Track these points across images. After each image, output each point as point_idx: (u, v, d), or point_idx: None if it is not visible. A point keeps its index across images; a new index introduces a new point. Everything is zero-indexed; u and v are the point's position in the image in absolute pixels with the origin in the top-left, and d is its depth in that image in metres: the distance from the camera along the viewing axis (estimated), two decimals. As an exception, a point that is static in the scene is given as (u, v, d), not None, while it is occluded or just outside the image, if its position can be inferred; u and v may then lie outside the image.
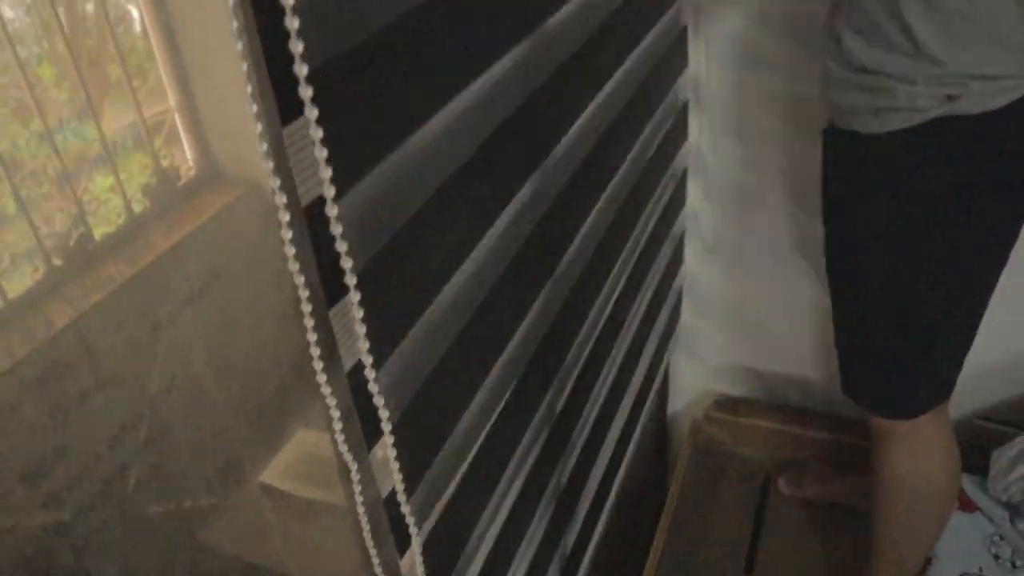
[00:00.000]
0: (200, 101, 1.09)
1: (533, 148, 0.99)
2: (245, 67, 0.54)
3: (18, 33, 0.95)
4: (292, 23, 0.52)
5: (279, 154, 0.63)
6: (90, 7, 1.25)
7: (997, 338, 1.73)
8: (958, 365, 1.34)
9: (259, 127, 0.58)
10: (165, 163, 1.11)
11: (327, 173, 0.61)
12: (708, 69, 1.64)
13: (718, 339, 2.17)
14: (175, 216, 0.99)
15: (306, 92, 0.54)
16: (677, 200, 1.72)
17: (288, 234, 0.64)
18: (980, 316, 1.27)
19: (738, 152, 1.75)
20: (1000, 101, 0.99)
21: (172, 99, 1.22)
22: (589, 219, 1.22)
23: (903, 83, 1.02)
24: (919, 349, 1.27)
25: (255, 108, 0.53)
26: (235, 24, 0.51)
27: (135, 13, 1.26)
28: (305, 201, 0.69)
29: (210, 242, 0.93)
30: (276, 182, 0.65)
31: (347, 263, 0.67)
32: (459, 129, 0.81)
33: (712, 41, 1.61)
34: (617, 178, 1.30)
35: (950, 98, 1.00)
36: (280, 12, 0.52)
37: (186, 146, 1.14)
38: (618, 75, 1.24)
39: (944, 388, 1.37)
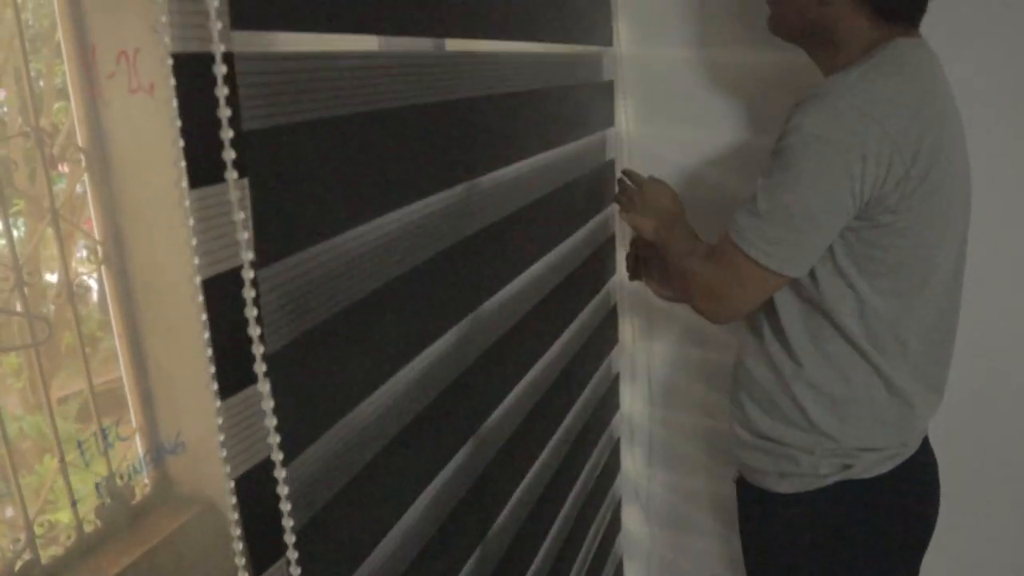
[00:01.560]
0: (160, 411, 1.12)
1: (469, 419, 1.04)
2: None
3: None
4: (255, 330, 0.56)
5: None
6: (52, 278, 1.31)
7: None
8: None
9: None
10: (120, 482, 1.12)
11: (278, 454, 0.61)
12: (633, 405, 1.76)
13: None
14: (127, 538, 0.99)
15: (261, 368, 0.57)
16: (608, 470, 1.77)
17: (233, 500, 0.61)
18: None
19: (670, 480, 1.85)
20: (888, 467, 1.13)
21: (124, 367, 1.25)
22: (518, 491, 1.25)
23: (803, 452, 1.14)
24: None
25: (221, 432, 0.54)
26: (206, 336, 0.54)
27: (94, 285, 1.32)
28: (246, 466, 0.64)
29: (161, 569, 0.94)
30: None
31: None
32: (397, 402, 0.85)
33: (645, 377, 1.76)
34: (548, 448, 1.36)
35: (846, 466, 1.12)
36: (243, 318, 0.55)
37: (143, 460, 1.16)
38: (554, 348, 1.33)
39: None
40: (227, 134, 0.51)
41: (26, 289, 1.07)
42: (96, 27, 0.78)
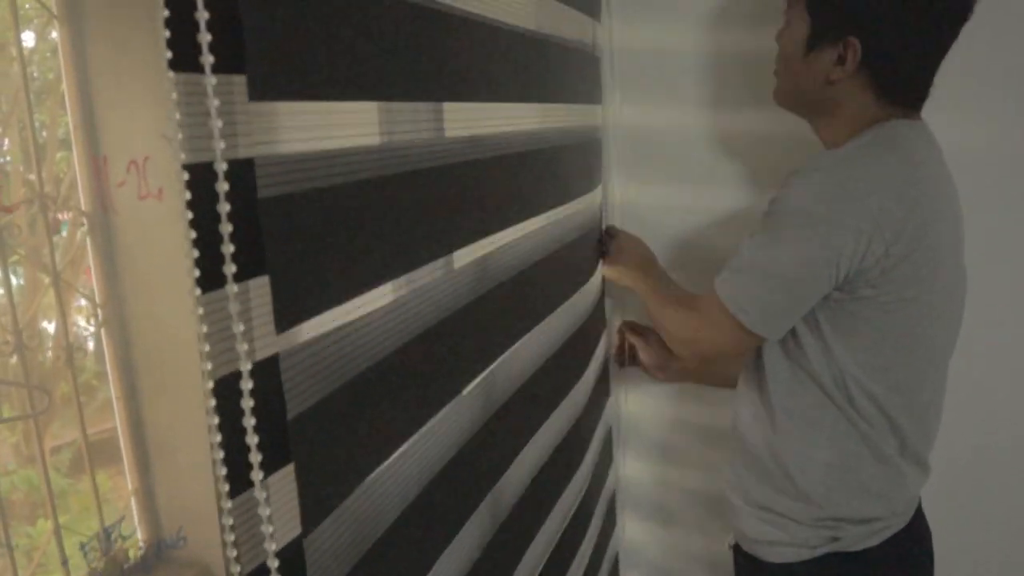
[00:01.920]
0: (159, 483, 1.11)
1: (479, 482, 1.04)
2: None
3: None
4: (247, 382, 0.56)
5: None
6: (50, 328, 1.30)
7: None
8: None
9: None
10: (115, 545, 1.11)
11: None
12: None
13: None
14: (120, 606, 0.98)
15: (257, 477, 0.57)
16: (605, 529, 1.76)
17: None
18: None
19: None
20: (877, 540, 1.13)
21: (120, 430, 1.24)
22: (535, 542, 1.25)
23: (792, 521, 1.14)
24: None
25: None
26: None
27: (90, 336, 1.31)
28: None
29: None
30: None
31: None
32: (411, 469, 0.85)
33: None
34: (559, 501, 1.36)
35: (834, 538, 1.13)
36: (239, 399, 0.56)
37: (138, 526, 1.15)
38: (560, 408, 1.34)
39: None
40: (228, 249, 0.52)
41: (25, 351, 1.07)
42: (108, 139, 0.80)
